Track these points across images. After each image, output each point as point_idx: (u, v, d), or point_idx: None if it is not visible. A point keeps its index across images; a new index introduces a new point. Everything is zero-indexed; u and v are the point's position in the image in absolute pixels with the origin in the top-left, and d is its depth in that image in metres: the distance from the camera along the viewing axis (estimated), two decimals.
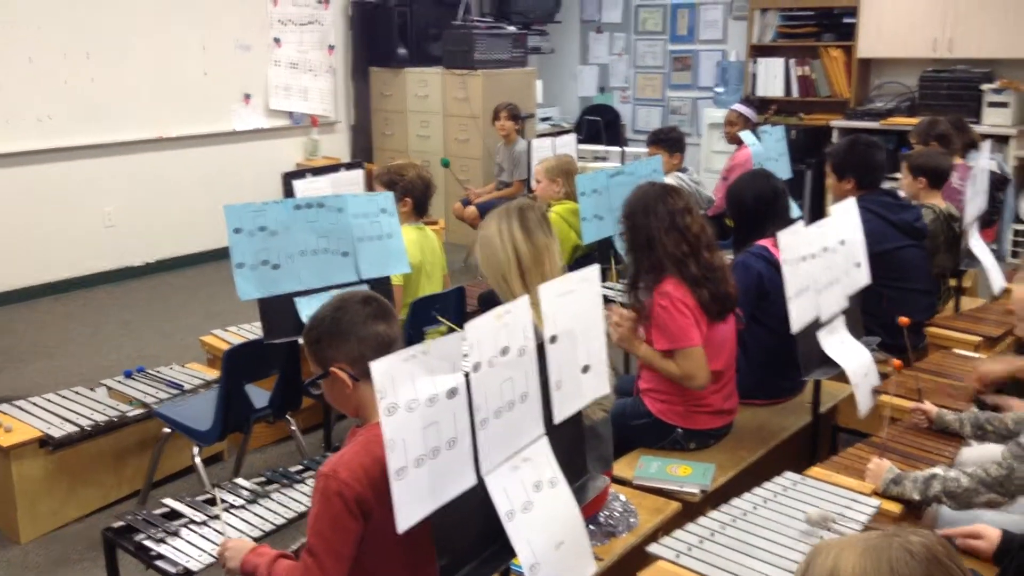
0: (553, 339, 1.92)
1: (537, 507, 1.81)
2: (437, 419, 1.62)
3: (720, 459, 2.88)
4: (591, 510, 2.38)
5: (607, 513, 2.43)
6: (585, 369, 2.04)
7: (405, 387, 1.56)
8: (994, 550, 1.89)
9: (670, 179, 4.67)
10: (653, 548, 1.99)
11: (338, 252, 3.00)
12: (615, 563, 2.22)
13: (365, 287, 3.02)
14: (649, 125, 8.82)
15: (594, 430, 2.31)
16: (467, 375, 1.67)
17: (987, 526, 1.94)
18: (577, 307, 2.01)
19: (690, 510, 2.47)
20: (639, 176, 4.05)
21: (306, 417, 3.79)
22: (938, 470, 2.17)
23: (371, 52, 7.90)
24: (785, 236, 2.69)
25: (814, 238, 2.87)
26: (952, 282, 4.14)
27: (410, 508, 1.56)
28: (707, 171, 7.91)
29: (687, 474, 2.73)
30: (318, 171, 4.01)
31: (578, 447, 2.02)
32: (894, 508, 2.20)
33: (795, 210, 4.72)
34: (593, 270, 2.08)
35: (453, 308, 3.70)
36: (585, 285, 2.04)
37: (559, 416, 1.93)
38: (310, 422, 3.86)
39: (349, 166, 4.08)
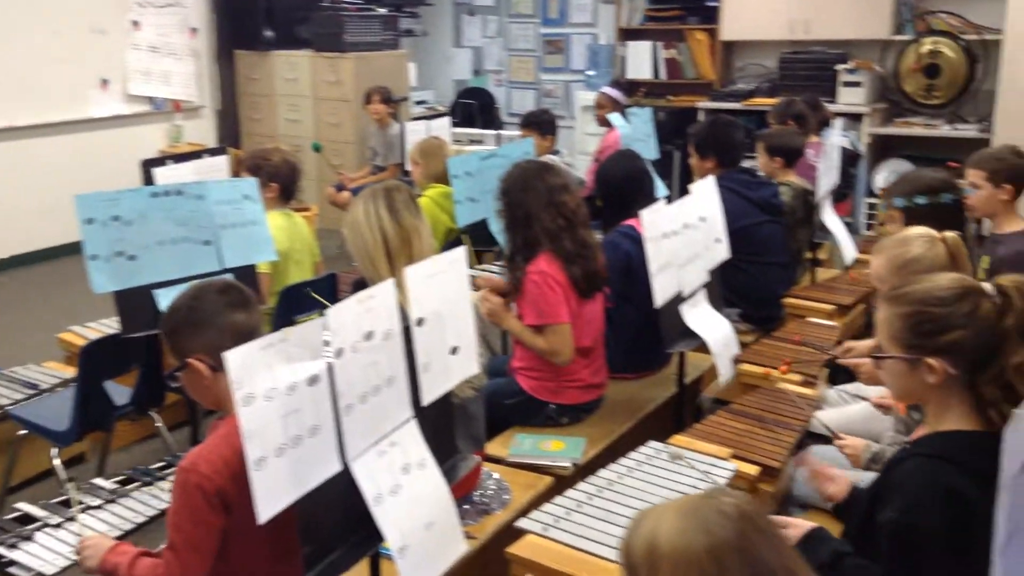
0: (420, 321, 1.92)
1: (406, 490, 1.81)
2: (298, 407, 1.60)
3: (591, 433, 2.94)
4: (464, 489, 2.40)
5: (481, 492, 2.46)
6: (454, 350, 2.05)
7: (263, 376, 1.53)
8: (842, 497, 1.98)
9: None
10: (521, 522, 2.03)
11: (199, 241, 2.92)
12: (489, 540, 2.24)
13: (230, 276, 2.95)
14: (524, 108, 8.85)
15: (465, 410, 2.33)
16: (330, 361, 1.65)
17: (842, 474, 2.04)
18: (445, 289, 2.01)
19: (563, 484, 2.52)
20: (511, 158, 4.05)
21: (173, 413, 3.67)
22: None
23: (236, 35, 7.66)
24: (647, 214, 2.76)
25: (675, 216, 2.95)
26: (809, 255, 4.34)
27: (271, 498, 1.54)
28: (581, 153, 8.02)
29: (559, 449, 2.78)
30: (180, 158, 3.88)
31: (447, 428, 2.04)
32: (751, 470, 2.31)
33: (663, 189, 4.85)
34: (460, 252, 2.09)
35: (325, 295, 3.65)
36: (452, 267, 2.05)
37: (427, 398, 1.93)
38: (177, 418, 3.74)
39: (213, 152, 3.97)
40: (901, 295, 1.67)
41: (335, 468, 1.68)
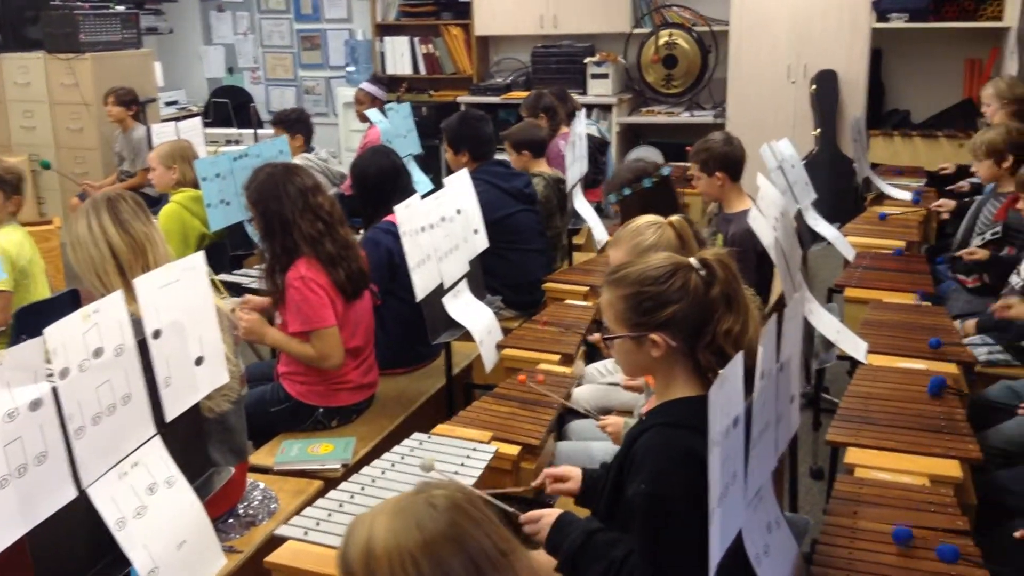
0: (157, 334, 1.83)
1: (152, 510, 1.73)
2: (20, 434, 1.49)
3: (362, 431, 2.93)
4: (228, 503, 2.32)
5: (246, 504, 2.38)
6: (199, 361, 1.97)
7: None
8: (577, 490, 2.07)
9: (298, 160, 4.63)
10: (281, 530, 1.99)
11: None
12: (256, 552, 2.18)
13: None
14: (284, 106, 8.63)
15: (222, 423, 2.25)
16: (54, 384, 1.54)
17: (571, 468, 2.12)
18: (184, 297, 1.93)
19: (333, 486, 2.49)
20: (265, 158, 3.96)
21: None
22: None
23: None
24: (401, 209, 2.78)
25: (431, 209, 2.99)
26: (566, 241, 4.53)
27: None
28: (347, 150, 7.95)
29: (329, 451, 2.75)
30: None
31: (198, 442, 1.96)
32: (512, 450, 2.39)
33: (427, 184, 4.90)
34: (198, 257, 2.01)
35: (66, 313, 3.40)
36: (190, 274, 1.97)
37: (172, 413, 1.85)
38: None
39: None
40: (620, 278, 1.78)
41: (69, 495, 1.58)
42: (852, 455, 2.27)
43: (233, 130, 7.32)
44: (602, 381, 3.18)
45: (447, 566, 1.13)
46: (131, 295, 1.81)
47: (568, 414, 2.92)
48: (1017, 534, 2.05)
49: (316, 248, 2.86)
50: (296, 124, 5.10)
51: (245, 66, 8.95)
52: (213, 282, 2.12)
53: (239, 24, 8.86)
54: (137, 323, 1.79)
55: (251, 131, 6.79)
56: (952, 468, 2.18)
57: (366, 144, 5.51)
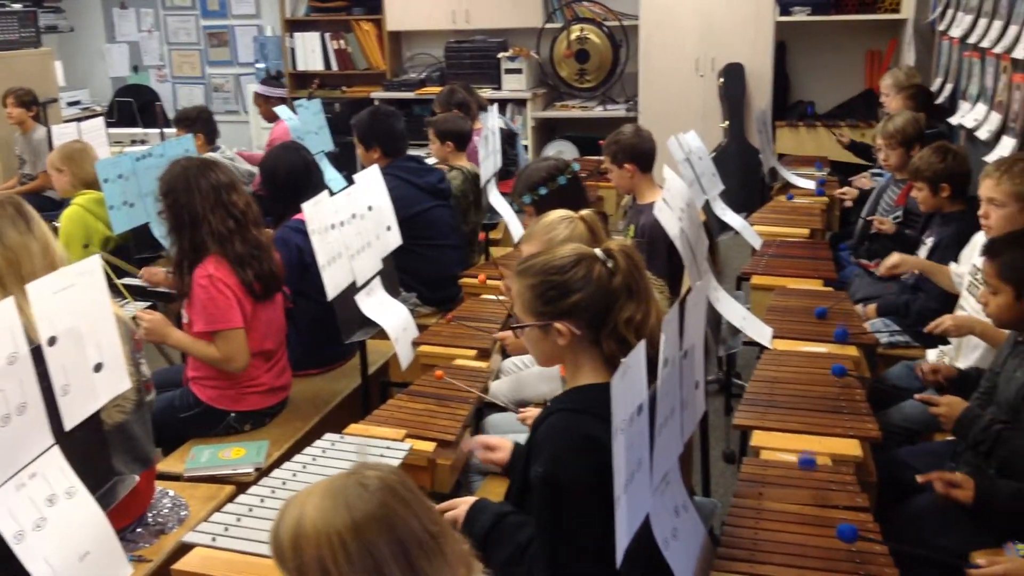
0: (52, 341, 1.77)
1: (52, 522, 1.68)
2: None
3: (276, 434, 2.89)
4: (135, 512, 2.26)
5: (155, 512, 2.33)
6: (98, 367, 1.91)
7: None
8: (505, 460, 2.10)
9: None
10: (188, 536, 1.95)
11: None
12: (165, 560, 2.13)
13: None
14: (192, 104, 8.46)
15: (125, 431, 2.19)
16: None
17: (503, 439, 2.15)
18: (80, 302, 1.87)
19: (246, 491, 2.45)
20: (169, 158, 3.84)
21: None
22: None
23: None
24: (308, 207, 2.75)
25: (341, 206, 2.96)
26: (483, 235, 4.54)
27: None
28: (259, 148, 7.79)
29: (240, 456, 2.71)
30: None
31: (99, 451, 1.91)
32: (427, 447, 2.38)
33: (341, 181, 4.85)
34: (92, 261, 1.95)
35: None
36: (85, 278, 1.91)
37: (70, 422, 1.79)
38: None
39: None
40: (527, 268, 1.80)
41: None
42: (758, 438, 2.33)
43: (138, 130, 7.14)
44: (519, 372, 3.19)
45: (374, 547, 1.14)
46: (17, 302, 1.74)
47: (487, 408, 2.93)
48: (920, 478, 2.13)
49: (224, 246, 2.80)
50: (197, 123, 4.97)
51: (151, 64, 8.72)
52: (117, 285, 2.06)
53: (143, 21, 8.62)
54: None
55: (157, 131, 6.62)
56: (853, 447, 2.26)
57: (271, 142, 5.42)
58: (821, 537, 1.87)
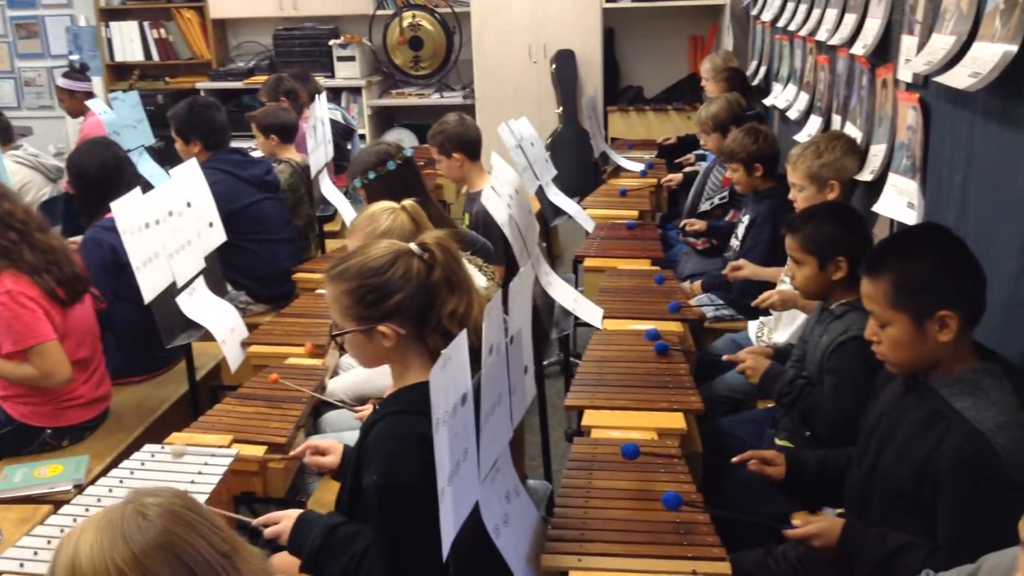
0: None
1: None
2: None
3: (97, 448, 2.74)
4: None
5: None
6: None
7: None
8: (335, 465, 2.05)
9: (8, 162, 4.21)
10: None
11: None
12: None
13: None
14: (3, 100, 7.88)
15: None
16: None
17: (333, 442, 2.10)
18: None
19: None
20: None
21: None
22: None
23: None
24: (118, 206, 2.60)
25: (155, 204, 2.81)
26: (316, 229, 4.43)
27: None
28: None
29: (58, 472, 2.54)
30: None
31: None
32: (257, 451, 2.31)
33: (164, 176, 4.61)
34: None
35: None
36: None
37: None
38: None
39: None
40: (341, 272, 1.75)
41: None
42: (589, 417, 2.37)
43: None
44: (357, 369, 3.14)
45: None
46: None
47: (323, 406, 2.86)
48: (735, 459, 2.22)
49: (14, 259, 2.64)
50: None
51: None
52: None
53: None
54: None
55: None
56: (677, 420, 2.33)
57: (83, 137, 5.11)
58: (648, 511, 1.92)
